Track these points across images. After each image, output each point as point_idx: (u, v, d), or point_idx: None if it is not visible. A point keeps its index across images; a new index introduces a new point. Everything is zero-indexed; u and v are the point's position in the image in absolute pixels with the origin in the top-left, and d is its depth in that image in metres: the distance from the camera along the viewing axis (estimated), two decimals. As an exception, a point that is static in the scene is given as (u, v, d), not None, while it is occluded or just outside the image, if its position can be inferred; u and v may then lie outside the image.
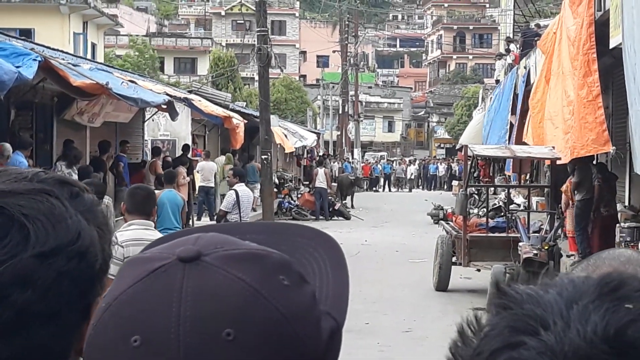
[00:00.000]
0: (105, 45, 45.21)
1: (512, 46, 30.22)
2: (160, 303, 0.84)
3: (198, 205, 21.93)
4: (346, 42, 52.82)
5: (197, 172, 21.83)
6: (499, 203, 21.48)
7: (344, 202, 32.70)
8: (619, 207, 15.03)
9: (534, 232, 14.18)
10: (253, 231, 0.99)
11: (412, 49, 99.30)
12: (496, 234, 14.13)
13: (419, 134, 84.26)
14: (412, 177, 58.24)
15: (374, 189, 52.87)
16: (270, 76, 25.87)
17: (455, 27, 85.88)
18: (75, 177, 11.72)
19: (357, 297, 11.63)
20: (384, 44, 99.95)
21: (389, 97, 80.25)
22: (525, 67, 20.51)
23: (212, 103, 22.66)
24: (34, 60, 11.27)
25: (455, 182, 41.80)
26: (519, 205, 20.41)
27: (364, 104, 65.21)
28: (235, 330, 0.83)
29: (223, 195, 15.83)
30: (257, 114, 25.96)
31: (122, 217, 6.23)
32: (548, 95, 15.08)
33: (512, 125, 21.43)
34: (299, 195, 30.63)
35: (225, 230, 0.96)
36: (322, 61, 74.99)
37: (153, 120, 22.84)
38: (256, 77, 30.61)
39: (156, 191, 8.49)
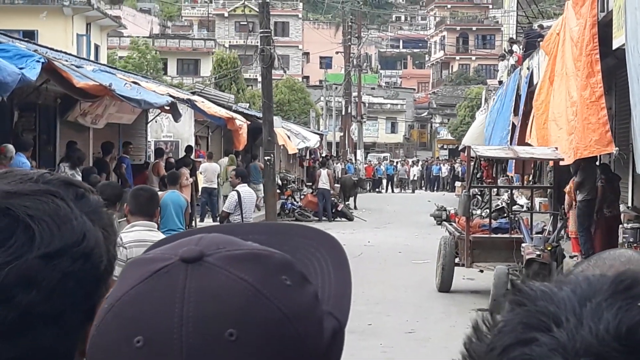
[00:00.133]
0: (108, 46, 45.25)
1: (515, 47, 30.22)
2: (163, 303, 0.84)
3: (201, 206, 21.94)
4: (349, 43, 52.84)
5: (200, 173, 21.84)
6: (501, 204, 21.47)
7: (346, 203, 32.69)
8: (621, 208, 15.03)
9: (537, 233, 14.17)
10: (255, 232, 1.00)
11: (415, 50, 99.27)
12: (499, 235, 14.11)
13: (422, 135, 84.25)
14: (415, 178, 58.22)
15: (377, 190, 52.86)
16: (273, 77, 25.89)
17: (458, 28, 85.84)
18: (79, 178, 11.73)
19: (360, 298, 11.63)
20: (387, 45, 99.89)
21: (392, 98, 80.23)
22: (528, 68, 20.52)
23: (215, 104, 22.67)
24: (37, 61, 11.29)
25: (458, 183, 41.82)
26: (521, 206, 20.42)
27: (366, 105, 65.24)
28: (237, 331, 0.83)
29: (226, 197, 15.84)
30: (260, 115, 25.96)
31: (124, 219, 6.24)
32: (552, 97, 15.08)
33: (514, 126, 21.43)
34: (302, 197, 30.62)
35: (228, 230, 0.96)
36: (325, 62, 75.08)
37: (156, 121, 22.85)
38: (259, 79, 30.60)
39: (160, 192, 8.50)
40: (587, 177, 14.35)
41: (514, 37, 33.97)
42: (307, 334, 0.86)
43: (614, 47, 11.35)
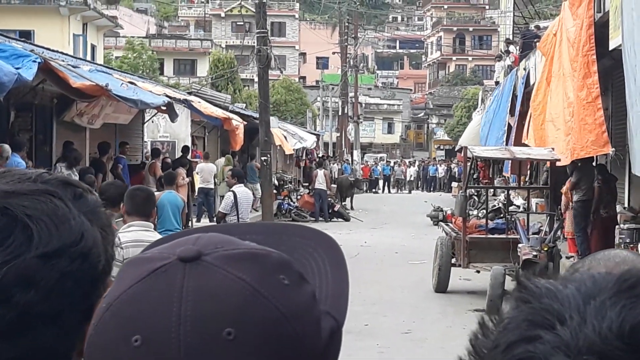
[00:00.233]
0: (105, 46, 45.21)
1: (511, 48, 30.23)
2: (160, 303, 0.84)
3: (197, 206, 21.93)
4: (346, 43, 52.79)
5: (197, 173, 21.83)
6: (498, 204, 21.47)
7: (343, 203, 32.69)
8: (618, 208, 15.04)
9: (534, 233, 14.17)
10: (252, 231, 1.00)
11: (412, 51, 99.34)
12: (496, 236, 14.10)
13: (419, 136, 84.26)
14: (412, 178, 58.25)
15: (374, 190, 52.86)
16: (269, 78, 25.90)
17: (454, 28, 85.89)
18: (76, 178, 11.71)
19: (357, 298, 11.62)
20: (384, 45, 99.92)
21: (389, 98, 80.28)
22: (524, 69, 20.53)
23: (212, 104, 22.66)
24: (34, 61, 11.27)
25: (454, 184, 41.82)
26: (518, 206, 20.44)
27: (363, 105, 65.21)
28: (235, 330, 0.83)
29: (222, 197, 15.84)
30: (256, 115, 25.97)
31: (121, 219, 6.22)
32: (549, 97, 15.09)
33: (510, 126, 21.44)
34: (299, 197, 30.61)
35: (225, 230, 0.96)
36: (322, 63, 75.02)
37: (153, 121, 22.83)
38: (256, 79, 30.59)
39: (156, 193, 8.48)
40: (583, 177, 14.37)
41: (511, 37, 34.03)
42: (304, 334, 0.87)
43: (611, 47, 11.35)
